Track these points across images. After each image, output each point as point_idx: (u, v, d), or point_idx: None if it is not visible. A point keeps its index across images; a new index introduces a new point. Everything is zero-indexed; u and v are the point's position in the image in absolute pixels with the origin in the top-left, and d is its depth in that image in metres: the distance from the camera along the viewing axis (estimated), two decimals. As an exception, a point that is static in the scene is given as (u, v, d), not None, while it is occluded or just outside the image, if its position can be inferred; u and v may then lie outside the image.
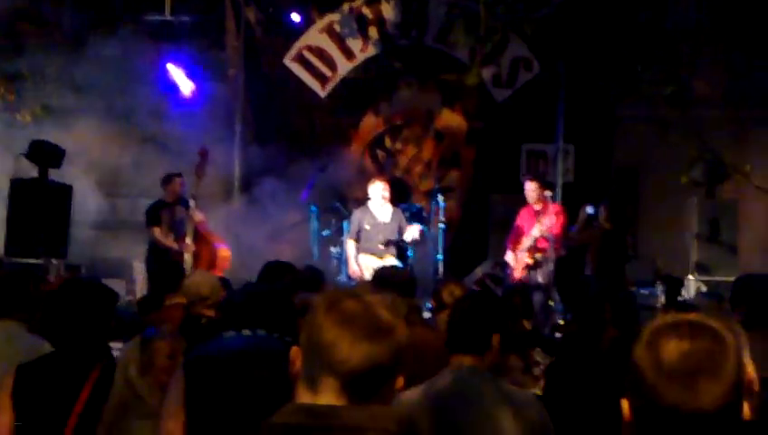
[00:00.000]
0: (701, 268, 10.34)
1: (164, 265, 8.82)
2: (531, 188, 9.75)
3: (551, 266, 9.61)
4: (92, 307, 3.57)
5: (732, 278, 7.76)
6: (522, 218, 9.86)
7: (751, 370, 2.52)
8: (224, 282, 5.80)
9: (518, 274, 9.69)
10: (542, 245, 9.59)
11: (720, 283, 9.40)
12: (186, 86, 11.26)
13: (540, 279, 9.53)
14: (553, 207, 9.68)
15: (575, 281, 9.69)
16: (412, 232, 9.71)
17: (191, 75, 11.40)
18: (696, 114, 10.54)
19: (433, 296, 5.03)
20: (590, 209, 9.67)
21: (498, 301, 3.53)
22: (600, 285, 8.89)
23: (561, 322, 8.91)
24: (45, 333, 4.00)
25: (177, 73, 11.28)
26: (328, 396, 1.75)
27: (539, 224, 9.47)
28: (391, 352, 1.76)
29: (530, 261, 9.62)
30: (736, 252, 10.45)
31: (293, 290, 4.31)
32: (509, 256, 9.87)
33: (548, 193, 9.80)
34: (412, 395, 3.08)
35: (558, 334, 8.25)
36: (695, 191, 10.67)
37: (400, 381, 1.81)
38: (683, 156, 10.46)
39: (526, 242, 9.62)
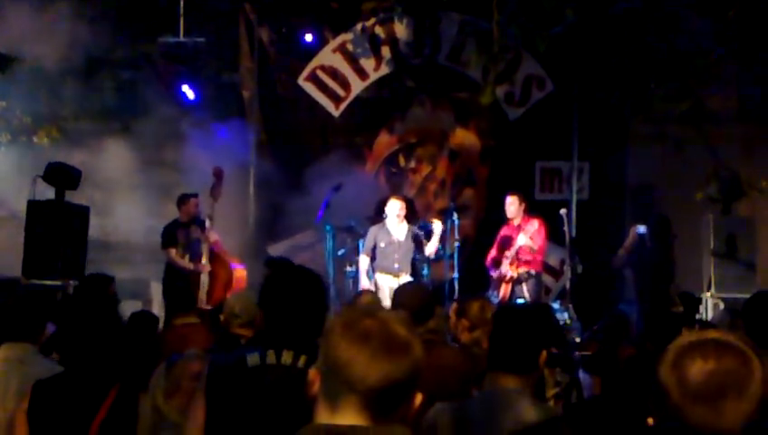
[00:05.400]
0: (718, 286, 10.26)
1: (176, 286, 8.80)
2: (510, 202, 9.77)
3: (538, 282, 9.62)
4: (99, 328, 3.54)
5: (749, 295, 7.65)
6: (503, 235, 9.85)
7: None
8: None
9: (503, 291, 9.64)
10: (526, 257, 9.55)
11: (738, 300, 9.32)
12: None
13: (527, 296, 9.46)
14: (534, 220, 9.70)
15: (594, 301, 9.65)
16: (433, 242, 9.73)
17: (205, 95, 11.47)
18: (711, 131, 10.51)
19: (457, 314, 5.01)
20: (641, 229, 9.51)
21: (545, 314, 3.32)
22: (619, 304, 8.85)
23: (578, 340, 8.85)
24: (57, 351, 3.98)
25: (189, 93, 11.33)
26: (347, 415, 1.74)
27: (523, 233, 9.47)
28: (409, 368, 1.75)
29: (514, 274, 9.57)
30: (754, 269, 10.38)
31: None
32: (494, 274, 9.85)
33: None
34: (442, 408, 2.99)
35: (576, 353, 8.19)
36: (710, 208, 10.62)
37: (419, 399, 1.80)
38: (698, 173, 10.42)
39: (510, 253, 9.59)
